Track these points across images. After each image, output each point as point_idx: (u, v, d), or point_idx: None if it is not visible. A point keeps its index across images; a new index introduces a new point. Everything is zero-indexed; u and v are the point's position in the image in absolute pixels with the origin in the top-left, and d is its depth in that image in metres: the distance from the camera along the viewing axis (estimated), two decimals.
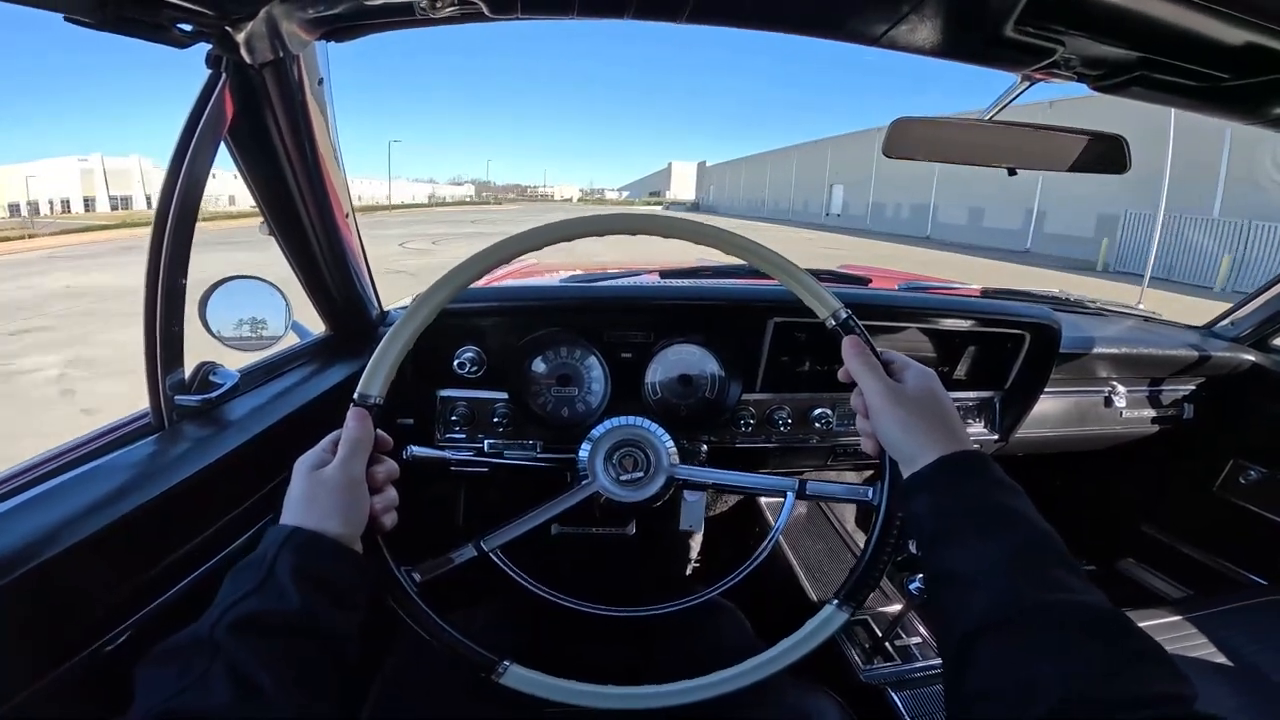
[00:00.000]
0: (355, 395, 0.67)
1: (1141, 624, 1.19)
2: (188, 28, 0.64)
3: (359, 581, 0.60)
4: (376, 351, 0.68)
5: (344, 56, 0.86)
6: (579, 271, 1.75)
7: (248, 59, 0.71)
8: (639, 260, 1.90)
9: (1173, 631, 1.22)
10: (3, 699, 0.53)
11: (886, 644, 1.17)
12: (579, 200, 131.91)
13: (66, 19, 0.55)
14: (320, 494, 0.61)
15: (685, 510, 1.28)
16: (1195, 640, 1.20)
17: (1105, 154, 0.95)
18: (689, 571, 1.73)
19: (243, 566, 0.56)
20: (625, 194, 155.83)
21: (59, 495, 0.67)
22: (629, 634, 1.24)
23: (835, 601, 0.72)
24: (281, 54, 0.74)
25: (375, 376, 0.68)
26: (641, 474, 0.94)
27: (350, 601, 0.58)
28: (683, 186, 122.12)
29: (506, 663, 0.69)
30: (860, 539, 1.47)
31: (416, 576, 0.71)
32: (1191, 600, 1.45)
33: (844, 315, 0.71)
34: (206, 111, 0.72)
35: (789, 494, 0.86)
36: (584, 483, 0.94)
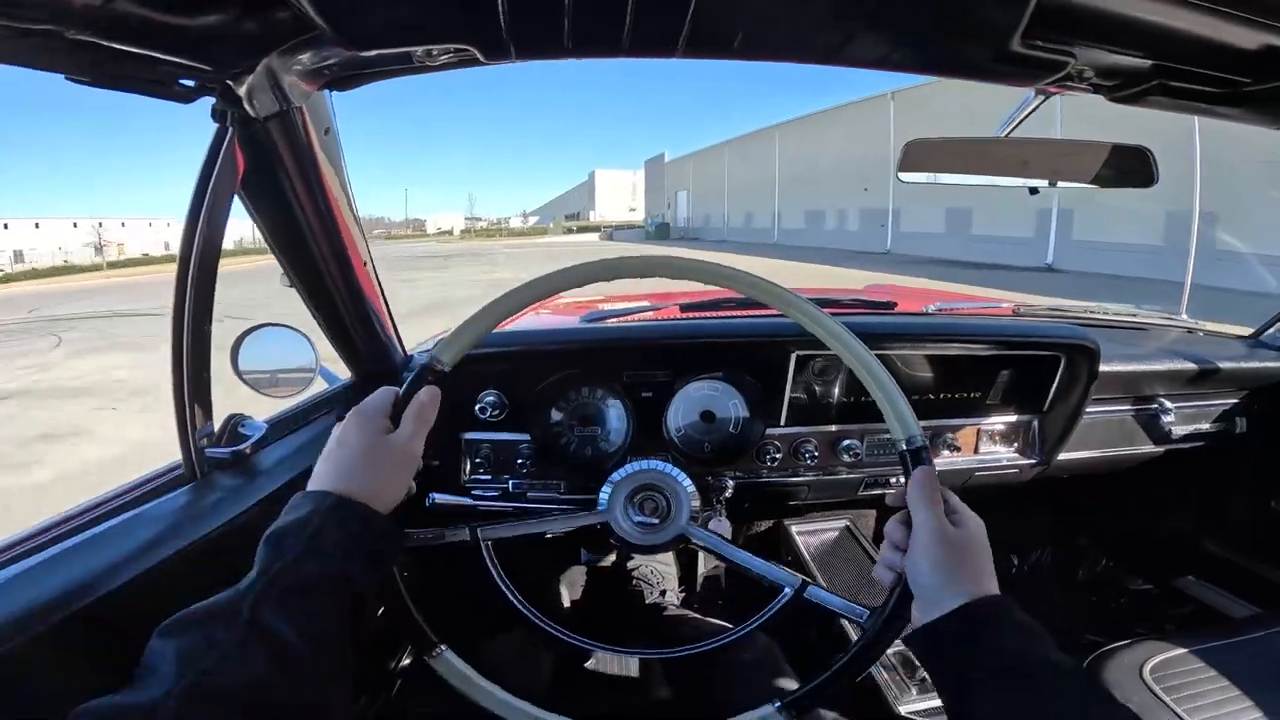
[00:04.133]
0: (428, 359, 0.67)
1: (1208, 644, 1.14)
2: (190, 83, 0.66)
3: (396, 547, 0.62)
4: (466, 320, 0.68)
5: None
6: (600, 307, 1.75)
7: (251, 112, 0.73)
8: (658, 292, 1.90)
9: (1241, 651, 1.15)
10: None
11: (926, 675, 1.11)
12: (460, 235, 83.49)
13: (68, 79, 0.58)
14: (378, 462, 0.61)
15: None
16: (1252, 662, 1.13)
17: (1130, 166, 0.92)
18: (720, 601, 1.70)
19: (283, 533, 0.56)
20: (535, 219, 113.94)
21: (100, 543, 0.69)
22: (658, 665, 1.22)
23: (778, 704, 0.68)
24: (285, 106, 0.76)
25: (454, 344, 0.67)
26: (657, 521, 0.93)
27: (385, 564, 0.60)
28: (612, 202, 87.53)
29: (443, 648, 0.69)
30: None
31: (406, 574, 0.71)
32: (1259, 618, 1.37)
33: (919, 443, 0.68)
34: (218, 165, 0.74)
35: (787, 589, 0.82)
36: (598, 510, 0.93)
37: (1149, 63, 0.76)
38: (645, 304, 1.65)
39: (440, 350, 0.67)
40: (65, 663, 0.58)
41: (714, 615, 1.38)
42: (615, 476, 0.96)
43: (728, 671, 1.04)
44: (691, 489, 0.95)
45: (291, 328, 1.12)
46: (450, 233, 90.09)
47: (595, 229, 64.70)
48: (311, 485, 0.60)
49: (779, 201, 33.28)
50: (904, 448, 0.68)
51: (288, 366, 1.13)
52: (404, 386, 0.67)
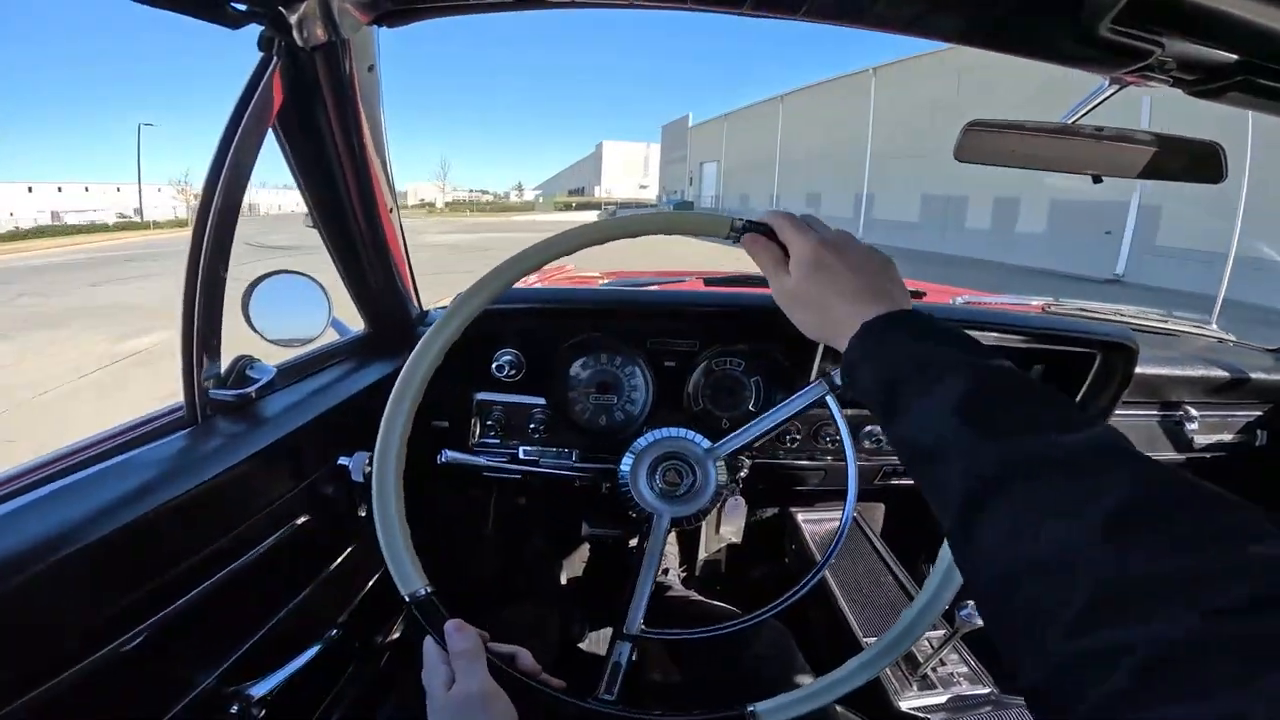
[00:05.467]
0: (406, 597, 0.63)
1: None
2: (242, 7, 0.63)
3: None
4: (382, 542, 0.64)
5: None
6: (618, 276, 1.72)
7: (300, 41, 0.70)
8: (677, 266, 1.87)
9: None
10: (19, 694, 0.51)
11: (928, 672, 1.11)
12: (444, 209, 71.23)
13: None
14: (466, 714, 0.58)
15: (727, 518, 1.24)
16: None
17: (1198, 162, 0.89)
18: (718, 585, 1.69)
19: None
20: (537, 194, 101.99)
21: (87, 487, 0.65)
22: (659, 648, 1.20)
23: None
24: (334, 37, 0.73)
25: (404, 567, 0.63)
26: (692, 481, 0.90)
27: None
28: (620, 177, 79.98)
29: (750, 707, 0.66)
30: (898, 561, 1.40)
31: (609, 696, 0.71)
32: None
33: (742, 224, 0.69)
34: (255, 97, 0.70)
35: (823, 391, 0.80)
36: (654, 521, 0.89)
37: (1234, 58, 0.73)
38: (665, 275, 1.61)
39: (404, 582, 0.63)
40: (53, 609, 0.55)
41: (713, 598, 1.37)
42: (638, 445, 0.93)
43: (742, 656, 1.02)
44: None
45: (306, 275, 1.08)
46: (433, 205, 77.66)
47: (597, 206, 55.60)
48: None
49: (870, 179, 22.21)
50: (734, 235, 0.69)
51: (300, 315, 1.09)
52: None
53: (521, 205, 75.47)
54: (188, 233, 0.74)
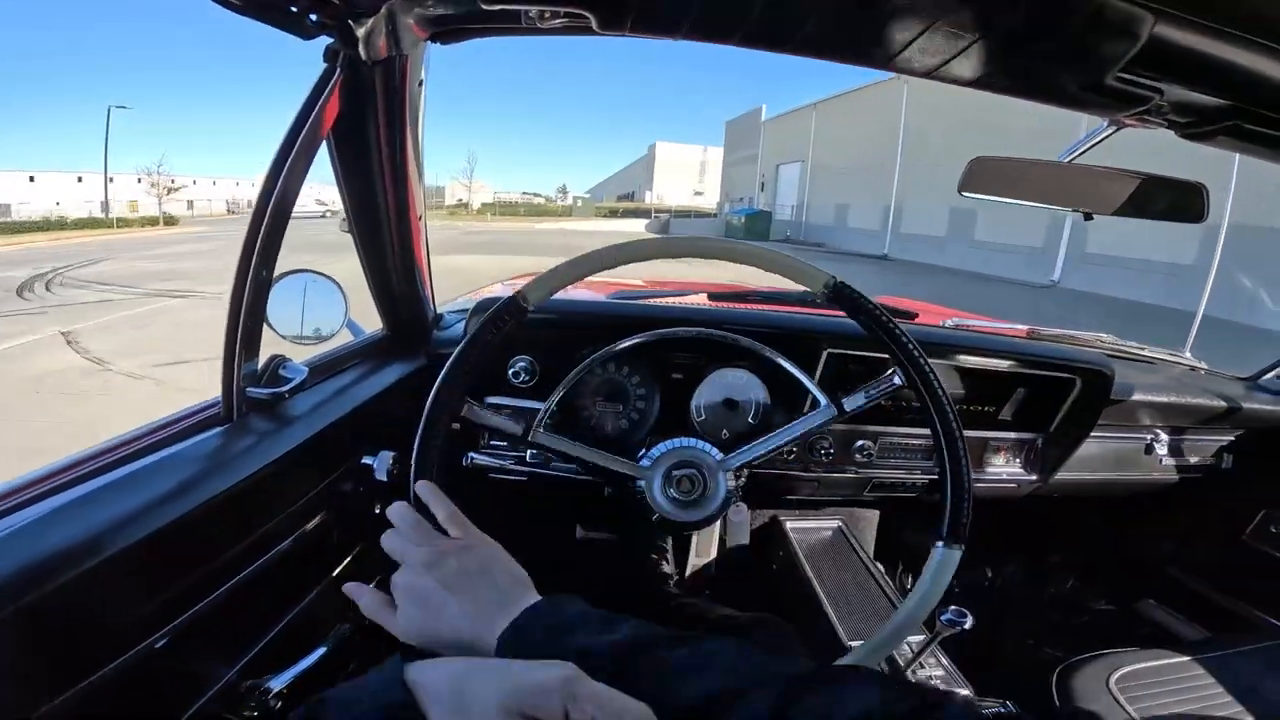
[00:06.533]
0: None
1: (1157, 661, 1.19)
2: (314, 18, 0.66)
3: None
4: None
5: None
6: (623, 288, 1.75)
7: (364, 55, 0.73)
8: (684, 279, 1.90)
9: (1188, 670, 1.21)
10: (56, 694, 0.52)
11: (907, 675, 1.15)
12: (479, 211, 60.60)
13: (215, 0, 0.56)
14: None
15: (731, 528, 1.28)
16: (1211, 679, 1.19)
17: (1183, 201, 0.95)
18: (708, 590, 1.72)
19: None
20: (586, 196, 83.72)
21: (129, 484, 0.67)
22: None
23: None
24: (394, 52, 0.76)
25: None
26: (702, 489, 0.94)
27: None
28: (673, 183, 68.61)
29: None
30: (883, 568, 1.45)
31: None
32: (1209, 642, 1.44)
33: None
34: (316, 108, 0.74)
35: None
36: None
37: (1227, 103, 0.78)
38: (672, 289, 1.65)
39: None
40: (96, 607, 0.56)
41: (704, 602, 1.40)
42: (654, 452, 0.97)
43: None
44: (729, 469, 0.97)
45: (325, 275, 1.10)
46: (467, 206, 66.75)
47: (646, 214, 43.84)
48: None
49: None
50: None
51: (317, 314, 1.11)
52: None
53: (560, 210, 64.40)
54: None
